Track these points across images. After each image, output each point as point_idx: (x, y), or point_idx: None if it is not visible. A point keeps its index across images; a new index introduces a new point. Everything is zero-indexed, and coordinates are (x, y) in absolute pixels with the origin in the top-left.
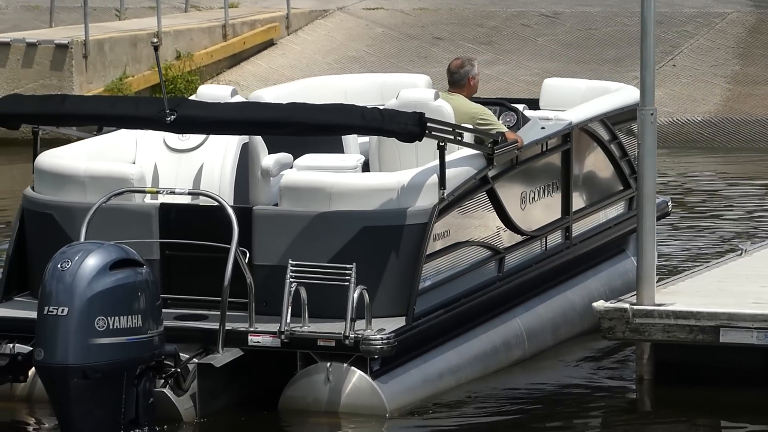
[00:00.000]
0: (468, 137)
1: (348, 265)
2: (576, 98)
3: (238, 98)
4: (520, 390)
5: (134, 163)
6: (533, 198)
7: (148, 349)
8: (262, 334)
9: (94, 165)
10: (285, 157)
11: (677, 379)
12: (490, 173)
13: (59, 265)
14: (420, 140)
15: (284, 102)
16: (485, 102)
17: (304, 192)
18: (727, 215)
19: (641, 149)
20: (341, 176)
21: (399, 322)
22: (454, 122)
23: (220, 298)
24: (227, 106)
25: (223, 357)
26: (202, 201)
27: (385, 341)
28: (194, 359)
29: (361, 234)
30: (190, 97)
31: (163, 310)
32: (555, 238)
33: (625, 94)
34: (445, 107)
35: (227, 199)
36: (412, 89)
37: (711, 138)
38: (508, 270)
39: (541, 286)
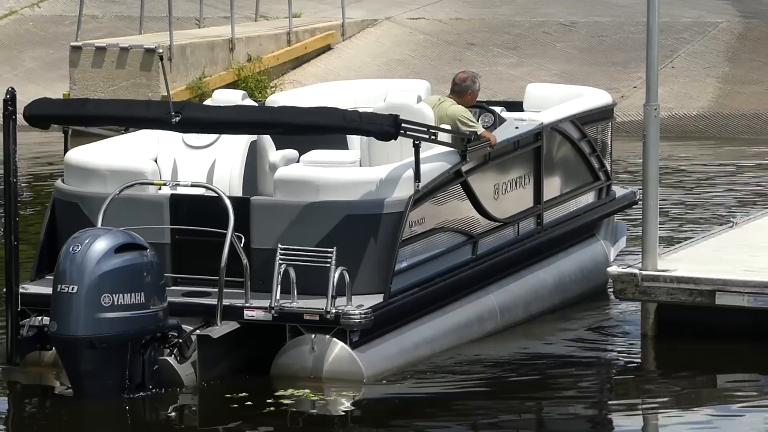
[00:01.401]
0: (444, 136)
1: (329, 249)
2: (553, 101)
3: (247, 101)
4: (522, 353)
5: (156, 158)
6: (506, 189)
7: (150, 323)
8: (256, 309)
9: (114, 160)
10: (290, 153)
11: (678, 335)
12: (464, 168)
13: (71, 249)
14: (395, 139)
15: (304, 104)
16: (470, 105)
17: (295, 184)
18: (718, 193)
19: (646, 139)
20: (327, 170)
21: (377, 299)
22: (433, 123)
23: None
24: (225, 109)
25: (220, 329)
26: (208, 192)
27: (363, 316)
28: (196, 331)
29: (344, 221)
30: (207, 101)
31: (173, 288)
32: (528, 225)
33: (594, 98)
34: (426, 109)
35: (236, 190)
36: (398, 93)
37: (704, 129)
38: (481, 253)
39: (514, 266)
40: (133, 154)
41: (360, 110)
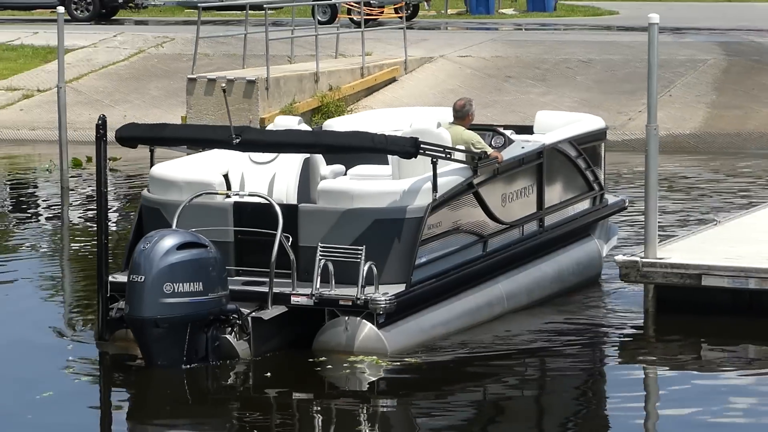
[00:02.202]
0: (458, 155)
1: (359, 247)
2: (557, 126)
3: (302, 126)
4: (545, 325)
5: (227, 172)
6: (512, 198)
7: (208, 307)
8: (300, 296)
9: (188, 173)
10: (338, 167)
11: (673, 310)
12: (475, 180)
13: (142, 246)
14: (415, 157)
15: (350, 128)
16: (482, 128)
17: (334, 194)
18: (705, 197)
19: (647, 153)
20: (361, 183)
21: (400, 288)
22: (450, 144)
23: (277, 269)
24: (278, 133)
25: (270, 312)
26: (263, 200)
27: (388, 301)
28: (252, 314)
29: (374, 224)
30: (269, 125)
31: (236, 278)
32: (531, 227)
33: (590, 123)
34: (444, 133)
35: (292, 198)
36: (422, 120)
37: (695, 145)
38: (491, 250)
39: (519, 261)
40: (205, 168)
41: (389, 133)
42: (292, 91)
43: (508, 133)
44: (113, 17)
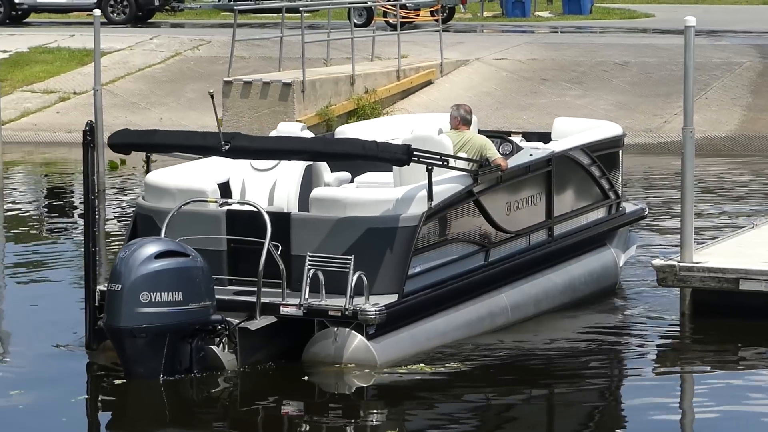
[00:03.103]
0: (457, 163)
1: (348, 257)
2: (574, 132)
3: (305, 132)
4: (582, 327)
5: (229, 179)
6: (518, 206)
7: (189, 317)
8: (290, 306)
9: (182, 181)
10: (344, 175)
11: (709, 314)
12: (476, 189)
13: (121, 254)
14: (407, 165)
15: (363, 134)
16: (491, 135)
17: (327, 202)
18: (742, 200)
19: (683, 156)
20: (353, 191)
21: (391, 298)
22: (451, 151)
23: (268, 279)
24: (267, 139)
25: (258, 322)
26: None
27: (378, 312)
28: (240, 324)
29: (366, 233)
30: (273, 131)
31: (228, 287)
32: (540, 236)
33: (606, 130)
34: (445, 140)
35: (293, 206)
36: (423, 127)
37: (731, 148)
38: (493, 259)
39: (526, 271)
40: (199, 176)
41: (401, 141)
42: (327, 94)
43: (517, 140)
44: (149, 20)
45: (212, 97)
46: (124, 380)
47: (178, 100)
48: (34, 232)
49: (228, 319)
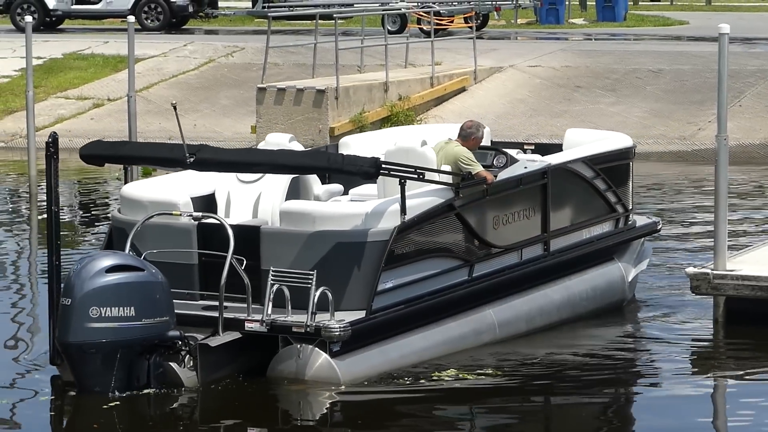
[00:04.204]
0: (436, 176)
1: (310, 272)
2: (585, 143)
3: (294, 143)
4: (612, 334)
5: (214, 191)
6: (508, 220)
7: (141, 333)
8: (254, 322)
9: (154, 193)
10: (335, 187)
11: (742, 322)
12: (457, 202)
13: (74, 268)
14: (376, 178)
15: (366, 144)
16: (486, 148)
17: (296, 216)
18: None
19: (717, 163)
20: (323, 205)
21: (359, 315)
22: (434, 164)
23: (239, 294)
24: (233, 152)
25: (220, 338)
26: (230, 220)
27: (342, 329)
28: (203, 341)
29: (335, 248)
30: (261, 143)
31: (199, 302)
32: (535, 250)
33: (615, 141)
34: (428, 152)
35: (276, 218)
36: (406, 138)
37: (765, 155)
38: (478, 275)
39: (518, 286)
40: (173, 188)
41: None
42: (361, 101)
43: (513, 152)
44: (183, 27)
45: (175, 108)
46: (86, 397)
47: (212, 107)
48: (67, 239)
49: (190, 335)
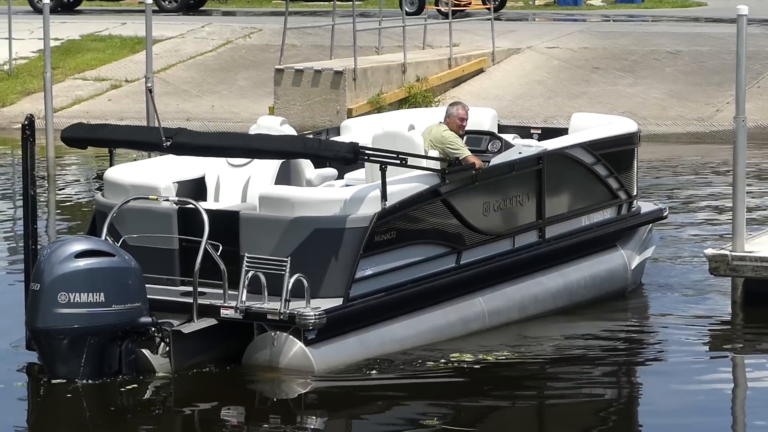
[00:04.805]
0: (421, 161)
1: (284, 258)
2: (590, 128)
3: (285, 127)
4: (628, 316)
5: (204, 175)
6: (500, 207)
7: (111, 319)
8: (229, 309)
9: (136, 177)
10: (329, 171)
11: (761, 303)
12: (443, 188)
13: (43, 253)
14: (354, 164)
15: (368, 128)
16: (480, 133)
17: (275, 201)
18: None
19: (735, 144)
20: (301, 190)
21: (336, 302)
22: (421, 149)
23: (219, 281)
24: (209, 135)
25: (194, 325)
26: (211, 205)
27: (317, 317)
28: (176, 327)
29: (313, 234)
30: (252, 126)
31: (179, 288)
32: (528, 237)
33: (615, 127)
34: (415, 137)
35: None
36: (393, 123)
37: None
38: (467, 262)
39: (511, 274)
40: (156, 172)
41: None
42: (379, 82)
43: (510, 137)
44: (201, 8)
45: (150, 92)
46: (60, 383)
47: (229, 88)
48: (80, 225)
49: (166, 321)
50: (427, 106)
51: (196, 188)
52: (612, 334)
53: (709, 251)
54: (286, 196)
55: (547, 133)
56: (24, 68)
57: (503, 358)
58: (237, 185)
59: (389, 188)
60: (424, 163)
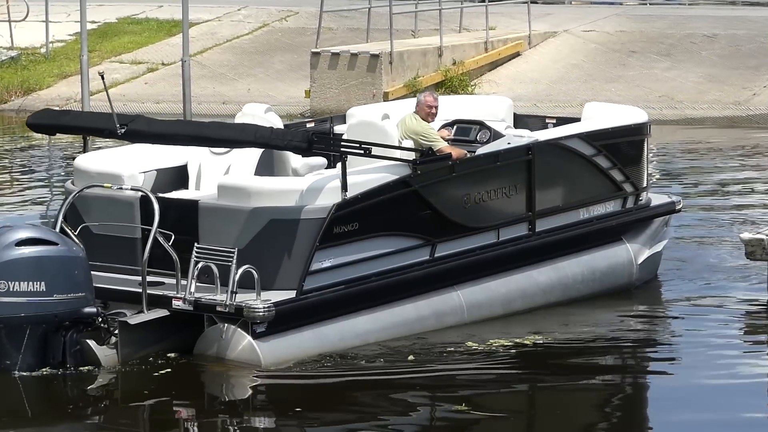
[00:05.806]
0: (381, 151)
1: (232, 249)
2: (600, 116)
3: (270, 114)
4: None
5: (187, 163)
6: (481, 199)
7: (52, 309)
8: (180, 300)
9: (102, 165)
10: (317, 160)
11: None
12: (414, 179)
13: None
14: (310, 154)
15: (371, 115)
16: (467, 122)
17: (233, 190)
18: None
19: None
20: (259, 179)
21: (289, 295)
22: (394, 139)
23: (174, 270)
24: (163, 123)
25: (143, 316)
26: (181, 194)
27: (265, 309)
28: (123, 318)
29: (269, 225)
30: (238, 114)
31: (136, 278)
32: (516, 230)
33: (620, 117)
34: (388, 126)
35: None
36: (367, 113)
37: None
38: (442, 255)
39: (495, 267)
40: (125, 160)
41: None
42: (415, 66)
43: (501, 127)
44: None
45: (102, 77)
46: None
47: (266, 72)
48: None
49: (118, 311)
50: (463, 89)
51: (179, 176)
52: (648, 320)
53: (746, 235)
54: (243, 185)
55: (562, 124)
56: (61, 51)
57: (500, 347)
58: (218, 173)
59: (354, 179)
60: (397, 153)
